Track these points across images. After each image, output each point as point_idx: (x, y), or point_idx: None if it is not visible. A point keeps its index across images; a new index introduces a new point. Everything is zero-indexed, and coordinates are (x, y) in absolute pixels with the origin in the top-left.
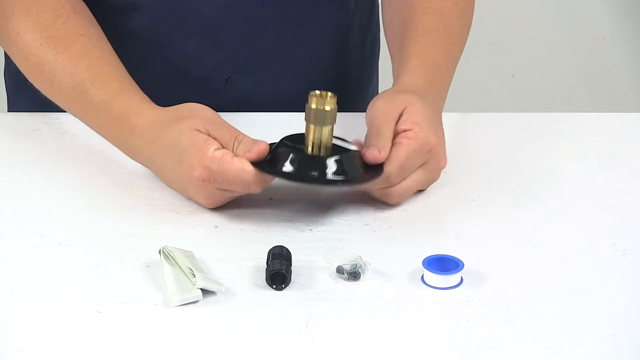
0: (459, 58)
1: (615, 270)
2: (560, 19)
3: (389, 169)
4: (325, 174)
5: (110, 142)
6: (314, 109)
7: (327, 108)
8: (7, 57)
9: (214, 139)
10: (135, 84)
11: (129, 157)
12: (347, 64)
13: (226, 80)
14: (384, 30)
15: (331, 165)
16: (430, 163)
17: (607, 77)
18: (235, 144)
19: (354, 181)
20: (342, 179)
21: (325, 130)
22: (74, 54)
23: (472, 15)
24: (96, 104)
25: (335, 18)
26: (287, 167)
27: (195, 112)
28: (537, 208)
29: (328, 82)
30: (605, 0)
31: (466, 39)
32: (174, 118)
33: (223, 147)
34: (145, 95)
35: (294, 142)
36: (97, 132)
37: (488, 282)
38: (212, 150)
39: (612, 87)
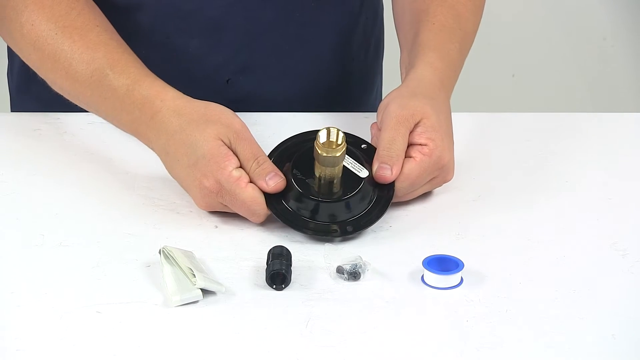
0: (467, 56)
1: (615, 270)
2: (560, 19)
3: (399, 184)
4: (332, 227)
5: (124, 128)
6: (323, 155)
7: (337, 154)
8: (10, 57)
9: (235, 153)
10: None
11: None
12: (350, 66)
13: (227, 80)
14: (394, 20)
15: (339, 212)
16: (438, 177)
17: (607, 77)
18: (254, 165)
19: (362, 228)
20: (350, 229)
21: (336, 169)
22: (90, 41)
23: (482, 14)
24: (115, 88)
25: (337, 19)
26: (294, 215)
27: (223, 119)
28: (537, 208)
29: (330, 83)
30: (605, 0)
31: (474, 37)
32: (201, 118)
33: (241, 166)
34: (166, 83)
35: (300, 165)
36: (111, 119)
37: (488, 282)
38: (230, 168)
39: (612, 87)
